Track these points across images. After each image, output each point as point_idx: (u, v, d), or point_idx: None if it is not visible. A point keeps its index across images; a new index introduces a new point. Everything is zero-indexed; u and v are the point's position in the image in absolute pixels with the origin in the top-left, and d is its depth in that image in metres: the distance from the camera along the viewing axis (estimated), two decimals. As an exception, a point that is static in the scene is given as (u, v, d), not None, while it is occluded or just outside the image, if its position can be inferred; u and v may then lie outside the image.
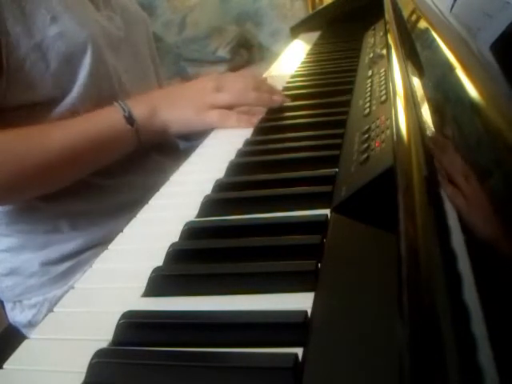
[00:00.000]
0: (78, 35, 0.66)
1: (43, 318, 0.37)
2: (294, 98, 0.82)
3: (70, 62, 0.67)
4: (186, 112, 0.71)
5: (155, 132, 0.71)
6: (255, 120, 0.71)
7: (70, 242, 0.73)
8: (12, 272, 0.75)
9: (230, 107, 0.72)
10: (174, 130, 0.72)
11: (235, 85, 0.73)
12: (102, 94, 0.71)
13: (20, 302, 0.76)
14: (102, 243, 0.72)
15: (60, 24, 0.65)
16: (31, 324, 0.75)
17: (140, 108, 0.69)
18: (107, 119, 0.68)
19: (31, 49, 0.64)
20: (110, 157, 0.71)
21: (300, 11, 2.65)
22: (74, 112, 0.68)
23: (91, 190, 0.73)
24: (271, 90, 0.77)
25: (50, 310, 0.38)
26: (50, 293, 0.74)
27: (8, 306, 0.78)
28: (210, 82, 0.73)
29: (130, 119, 0.68)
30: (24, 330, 0.77)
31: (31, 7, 0.64)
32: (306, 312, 0.32)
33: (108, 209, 0.74)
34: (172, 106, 0.71)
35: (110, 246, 0.47)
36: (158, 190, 0.57)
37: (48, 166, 0.65)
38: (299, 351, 0.29)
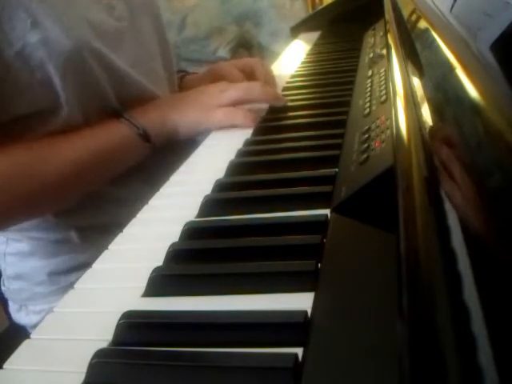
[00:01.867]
0: (63, 42, 0.61)
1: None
2: (294, 98, 0.82)
3: (58, 71, 0.61)
4: (193, 115, 0.71)
5: (166, 137, 0.71)
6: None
7: (80, 254, 0.72)
8: (19, 277, 0.75)
9: (235, 104, 0.72)
10: (184, 133, 0.72)
11: (240, 84, 0.75)
12: (98, 100, 0.68)
13: (26, 306, 0.76)
14: None
15: (42, 29, 0.59)
16: (36, 327, 0.75)
17: (151, 120, 0.69)
18: (121, 137, 0.68)
19: (13, 58, 0.59)
20: (125, 167, 0.71)
21: (300, 11, 2.65)
22: (75, 122, 0.66)
23: (102, 203, 0.72)
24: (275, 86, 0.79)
25: (50, 311, 0.38)
26: (57, 302, 0.73)
27: (14, 307, 0.78)
28: (215, 87, 0.74)
29: (145, 137, 0.68)
30: (30, 330, 0.77)
31: (8, 12, 0.58)
32: (305, 312, 0.32)
33: (119, 222, 0.74)
34: (180, 110, 0.71)
35: (110, 246, 0.47)
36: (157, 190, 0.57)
37: (61, 183, 0.64)
38: (299, 351, 0.29)
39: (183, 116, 0.71)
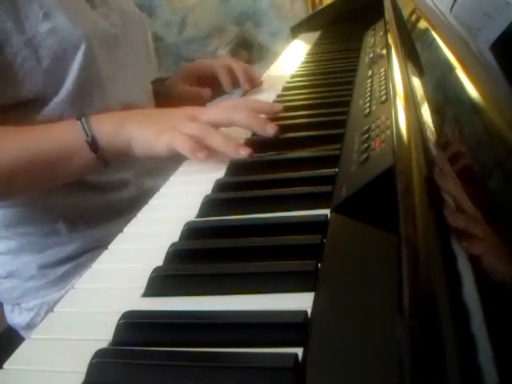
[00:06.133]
0: (70, 33, 0.66)
1: (41, 320, 0.37)
2: (294, 98, 0.82)
3: (62, 60, 0.66)
4: (149, 132, 0.62)
5: (118, 150, 0.63)
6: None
7: (68, 245, 0.73)
8: (10, 275, 0.75)
9: (196, 138, 0.60)
10: (138, 150, 0.63)
11: (209, 116, 0.63)
12: (92, 94, 0.70)
13: (18, 304, 0.76)
14: (100, 246, 0.72)
15: (52, 20, 0.65)
16: (29, 326, 0.75)
17: (104, 125, 0.63)
18: (71, 139, 0.63)
19: (23, 45, 0.63)
20: (70, 175, 0.67)
21: (300, 11, 2.65)
22: (63, 112, 0.67)
23: (86, 189, 0.72)
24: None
25: (49, 311, 0.38)
26: (49, 296, 0.74)
27: (7, 308, 0.79)
28: (189, 111, 0.64)
29: (93, 145, 0.62)
30: (22, 333, 0.77)
31: (24, 2, 0.64)
32: (305, 312, 0.32)
33: (104, 209, 0.74)
34: (138, 124, 0.63)
35: (110, 246, 0.47)
36: (157, 190, 0.57)
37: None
38: (299, 351, 0.29)
39: (139, 131, 0.62)
